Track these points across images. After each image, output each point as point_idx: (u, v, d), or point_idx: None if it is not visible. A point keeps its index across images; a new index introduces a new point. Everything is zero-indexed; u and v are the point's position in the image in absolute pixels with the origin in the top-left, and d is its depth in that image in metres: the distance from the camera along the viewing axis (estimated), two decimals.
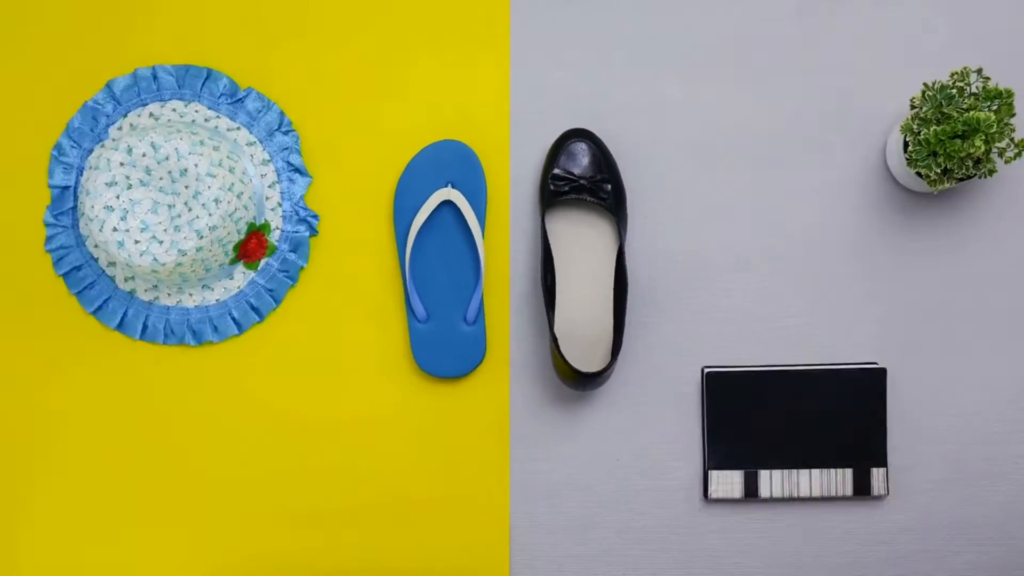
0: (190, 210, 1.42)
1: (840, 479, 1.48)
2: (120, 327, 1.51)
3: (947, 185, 1.40)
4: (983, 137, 1.37)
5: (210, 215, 1.42)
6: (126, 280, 1.51)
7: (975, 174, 1.40)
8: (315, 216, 1.51)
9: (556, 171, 1.49)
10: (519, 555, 1.52)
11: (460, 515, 1.51)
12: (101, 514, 1.53)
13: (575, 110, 1.51)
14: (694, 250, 1.51)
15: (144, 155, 1.41)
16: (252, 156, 1.50)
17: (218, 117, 1.50)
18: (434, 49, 1.52)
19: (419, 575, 1.52)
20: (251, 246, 1.49)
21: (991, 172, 1.40)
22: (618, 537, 1.51)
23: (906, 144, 1.44)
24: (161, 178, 1.42)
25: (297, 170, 1.51)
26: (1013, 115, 1.39)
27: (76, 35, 1.52)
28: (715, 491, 1.49)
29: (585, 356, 1.49)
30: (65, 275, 1.52)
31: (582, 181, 1.48)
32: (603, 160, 1.49)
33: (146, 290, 1.50)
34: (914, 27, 1.51)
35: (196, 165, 1.42)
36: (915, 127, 1.40)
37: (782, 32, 1.51)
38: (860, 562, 1.50)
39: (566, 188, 1.48)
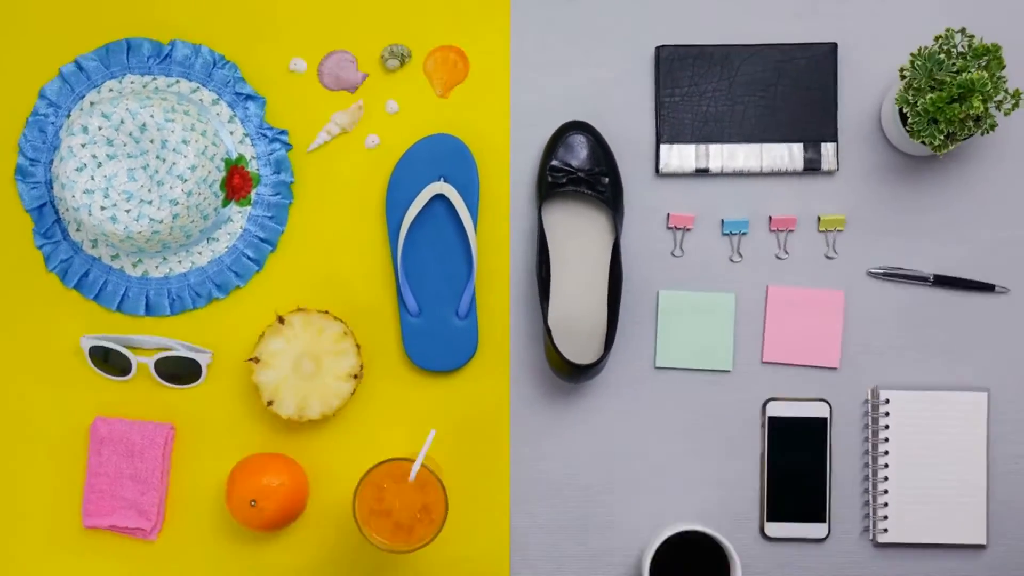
0: (163, 160, 1.42)
1: None
2: (148, 311, 1.51)
3: (951, 148, 1.40)
4: (980, 97, 1.37)
5: (184, 157, 1.42)
6: (135, 265, 1.50)
7: (976, 132, 1.40)
8: (283, 132, 1.51)
9: (554, 163, 1.48)
10: (519, 555, 1.51)
11: (460, 515, 1.51)
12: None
13: (574, 106, 1.51)
14: (693, 246, 1.51)
15: (100, 128, 1.42)
16: (201, 100, 1.50)
17: (154, 79, 1.50)
18: (434, 44, 1.52)
19: (419, 575, 1.51)
20: (236, 182, 1.48)
21: (992, 127, 1.40)
22: (618, 537, 1.51)
23: (903, 115, 1.43)
24: (125, 144, 1.42)
25: (248, 97, 1.50)
26: (1003, 67, 1.39)
27: None
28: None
29: (579, 348, 1.49)
30: (76, 285, 1.52)
31: (580, 173, 1.48)
32: (601, 153, 1.49)
33: (157, 266, 1.50)
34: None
35: (152, 116, 1.42)
36: (910, 98, 1.40)
37: (782, 31, 1.51)
38: (858, 563, 1.51)
39: (564, 180, 1.48)
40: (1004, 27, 1.51)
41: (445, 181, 1.50)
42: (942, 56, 1.39)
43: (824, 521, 1.49)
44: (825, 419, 1.48)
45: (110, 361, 1.50)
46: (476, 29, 1.52)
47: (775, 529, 1.49)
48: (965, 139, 1.40)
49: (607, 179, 1.48)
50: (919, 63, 1.39)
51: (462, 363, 1.50)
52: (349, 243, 1.52)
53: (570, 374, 1.44)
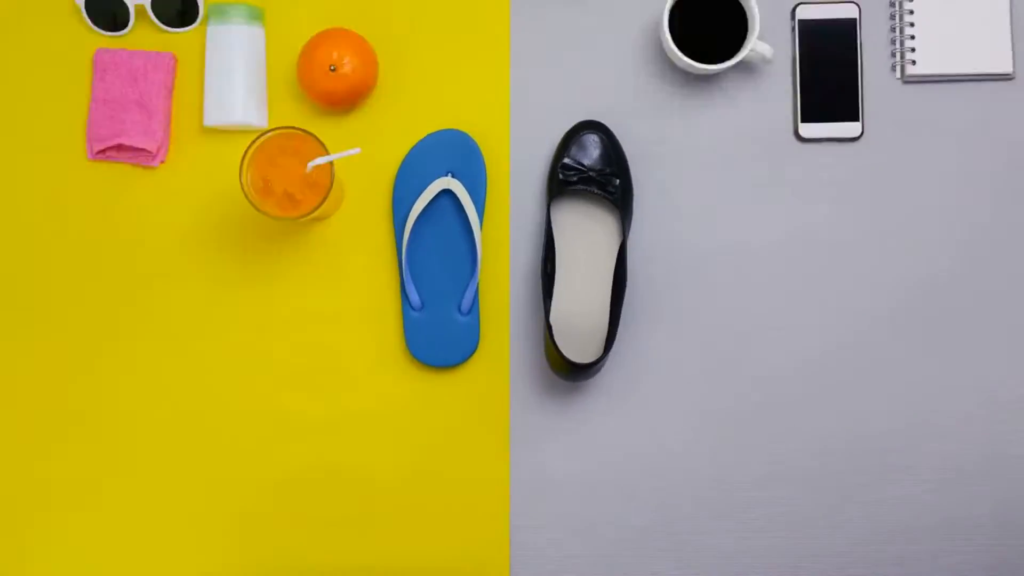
0: None
1: None
2: None
3: None
4: None
5: None
6: None
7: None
8: None
9: (566, 160, 1.47)
10: (519, 555, 1.49)
11: (460, 515, 1.49)
12: (96, 519, 1.51)
13: (574, 101, 1.50)
14: (696, 250, 1.50)
15: None
16: None
17: None
18: (435, 40, 1.51)
19: (419, 574, 1.49)
20: None
21: None
22: (618, 537, 1.49)
23: None
24: None
25: None
26: None
27: None
28: None
29: (579, 347, 1.48)
30: None
31: (591, 173, 1.46)
32: (614, 154, 1.47)
33: None
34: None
35: None
36: None
37: (784, 27, 1.51)
38: (857, 562, 1.49)
39: (575, 178, 1.46)
40: None
41: (453, 176, 1.48)
42: None
43: (857, 120, 1.49)
44: (854, 20, 1.49)
45: (106, 9, 1.48)
46: (477, 21, 1.50)
47: (809, 130, 1.49)
48: None
49: (618, 180, 1.47)
50: None
51: (462, 359, 1.48)
52: (354, 235, 1.50)
53: (568, 372, 1.43)
